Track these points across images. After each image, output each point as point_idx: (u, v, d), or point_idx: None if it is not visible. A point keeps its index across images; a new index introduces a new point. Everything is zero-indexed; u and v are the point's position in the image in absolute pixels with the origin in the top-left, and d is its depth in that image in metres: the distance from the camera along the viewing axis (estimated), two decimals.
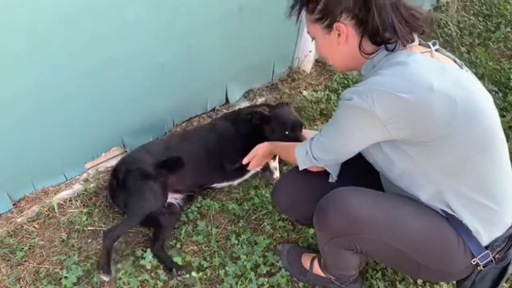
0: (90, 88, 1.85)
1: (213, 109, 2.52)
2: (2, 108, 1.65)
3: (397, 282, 1.82)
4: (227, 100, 2.55)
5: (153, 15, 1.82)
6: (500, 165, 1.29)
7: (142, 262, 1.81)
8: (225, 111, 2.53)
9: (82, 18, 1.62)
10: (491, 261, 1.29)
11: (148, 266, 1.80)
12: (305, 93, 2.69)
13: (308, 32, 1.46)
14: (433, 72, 1.20)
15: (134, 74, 1.95)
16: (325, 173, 1.52)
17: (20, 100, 1.67)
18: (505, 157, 1.30)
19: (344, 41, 1.35)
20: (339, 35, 1.33)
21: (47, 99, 1.75)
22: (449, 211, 1.31)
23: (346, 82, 2.81)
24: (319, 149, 1.42)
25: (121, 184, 1.93)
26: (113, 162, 2.19)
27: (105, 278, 1.75)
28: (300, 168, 1.53)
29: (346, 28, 1.31)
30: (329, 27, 1.34)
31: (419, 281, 1.82)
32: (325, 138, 1.39)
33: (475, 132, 1.22)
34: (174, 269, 1.80)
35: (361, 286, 1.81)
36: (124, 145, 2.20)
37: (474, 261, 1.29)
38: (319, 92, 2.71)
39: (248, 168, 1.98)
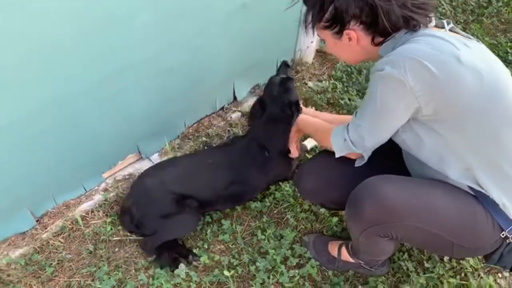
0: (103, 99, 1.84)
1: (222, 108, 2.53)
2: (20, 125, 1.64)
3: (424, 262, 1.86)
4: (234, 98, 2.56)
5: (160, 20, 1.82)
6: None
7: (176, 272, 1.82)
8: (234, 108, 2.54)
9: (91, 30, 1.61)
10: None
11: (183, 275, 1.81)
12: (310, 84, 2.70)
13: (318, 35, 1.48)
14: (458, 46, 1.22)
15: (145, 80, 1.95)
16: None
17: (37, 116, 1.66)
18: None
19: (355, 43, 1.38)
20: (349, 39, 1.36)
21: (62, 113, 1.74)
22: (477, 188, 1.33)
23: (349, 69, 2.83)
24: (359, 136, 1.39)
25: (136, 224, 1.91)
26: (130, 170, 2.20)
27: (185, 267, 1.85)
28: (337, 155, 1.49)
29: (356, 32, 1.34)
30: (339, 33, 1.37)
31: (445, 258, 1.86)
32: (363, 121, 1.36)
33: (500, 106, 1.25)
34: (190, 256, 1.87)
35: (388, 268, 1.85)
36: (139, 152, 2.20)
37: (503, 235, 1.33)
38: (323, 81, 2.73)
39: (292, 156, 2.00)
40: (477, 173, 1.31)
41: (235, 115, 2.52)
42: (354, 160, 1.51)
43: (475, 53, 1.24)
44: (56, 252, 1.92)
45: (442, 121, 1.26)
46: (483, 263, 1.84)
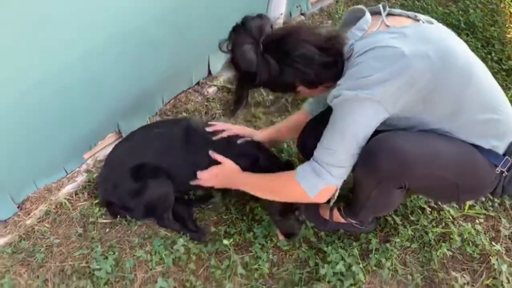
0: (83, 77, 1.77)
1: (198, 83, 2.50)
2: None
3: (409, 215, 1.98)
4: (209, 73, 2.54)
5: None
6: (486, 81, 1.47)
7: (175, 247, 1.80)
8: (209, 83, 2.52)
9: (71, 3, 1.53)
10: None
11: (181, 251, 1.79)
12: None
13: None
14: (396, 43, 1.33)
15: (125, 55, 1.89)
16: None
17: (18, 100, 1.58)
18: (487, 75, 1.49)
19: (312, 91, 1.51)
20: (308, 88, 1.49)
21: (43, 92, 1.65)
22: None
23: None
24: (334, 161, 1.44)
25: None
26: (110, 149, 2.12)
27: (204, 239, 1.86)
28: (312, 196, 1.49)
29: (304, 88, 1.48)
30: (292, 90, 1.51)
31: (428, 210, 1.99)
32: (334, 147, 1.43)
33: (455, 73, 1.37)
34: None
35: (376, 224, 1.95)
36: (119, 130, 2.14)
37: (497, 170, 1.47)
38: None
39: (198, 183, 1.81)
40: (459, 134, 1.46)
41: (212, 90, 2.50)
42: None
43: (415, 37, 1.36)
44: (43, 238, 1.83)
45: (411, 109, 1.40)
46: (460, 212, 2.00)
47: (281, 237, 1.84)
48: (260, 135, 1.98)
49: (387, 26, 1.44)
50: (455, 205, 2.02)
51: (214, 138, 1.82)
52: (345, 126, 1.40)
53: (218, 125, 1.89)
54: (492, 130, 1.47)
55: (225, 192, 1.99)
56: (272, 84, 1.48)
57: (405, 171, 1.44)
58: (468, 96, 1.40)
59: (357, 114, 1.36)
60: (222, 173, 1.76)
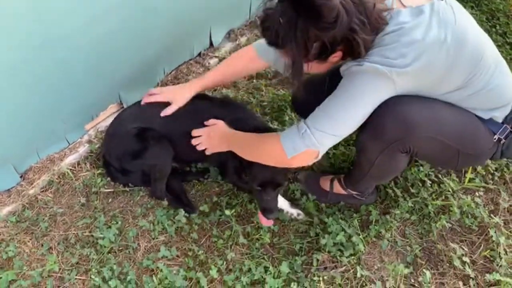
0: (84, 46, 1.75)
1: (199, 54, 2.47)
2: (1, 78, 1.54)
3: (409, 188, 1.99)
4: (211, 44, 2.51)
5: None
6: (492, 59, 1.47)
7: (177, 217, 1.82)
8: (211, 54, 2.49)
9: None
10: (510, 131, 1.53)
11: (183, 221, 1.81)
12: None
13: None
14: (419, 26, 1.33)
15: (125, 24, 1.85)
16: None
17: (19, 65, 1.56)
18: (494, 54, 1.50)
19: (320, 66, 1.44)
20: (334, 58, 1.40)
21: (46, 60, 1.64)
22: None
23: None
24: (322, 128, 1.40)
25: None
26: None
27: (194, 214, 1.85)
28: (289, 156, 1.45)
29: (337, 54, 1.38)
30: (324, 60, 1.39)
31: (428, 183, 2.00)
32: (332, 113, 1.40)
33: (468, 56, 1.39)
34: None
35: (376, 196, 1.96)
36: (121, 101, 2.12)
37: (495, 138, 1.52)
38: None
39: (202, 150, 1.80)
40: (461, 105, 1.50)
41: (213, 61, 2.48)
42: None
43: (433, 21, 1.35)
44: (47, 207, 1.85)
45: (421, 89, 1.43)
46: (460, 185, 2.01)
47: (260, 216, 1.76)
48: (188, 92, 1.86)
49: (404, 6, 1.42)
50: (455, 177, 2.03)
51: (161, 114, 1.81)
52: (358, 95, 1.39)
53: (151, 91, 1.87)
54: (494, 102, 1.51)
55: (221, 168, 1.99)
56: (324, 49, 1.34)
57: (411, 134, 1.46)
58: (476, 74, 1.43)
59: (373, 86, 1.36)
60: (215, 133, 1.75)
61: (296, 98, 1.85)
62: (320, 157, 1.48)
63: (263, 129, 1.77)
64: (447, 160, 1.65)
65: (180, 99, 1.83)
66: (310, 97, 1.54)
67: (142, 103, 1.87)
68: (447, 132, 1.48)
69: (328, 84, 1.54)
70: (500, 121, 1.53)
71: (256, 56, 1.83)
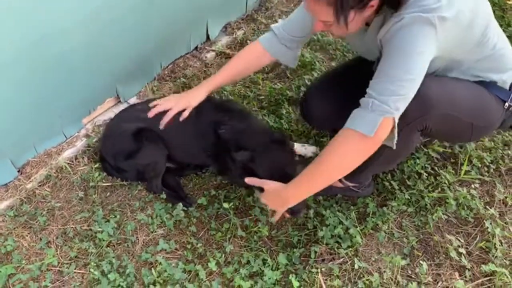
0: (82, 40, 1.75)
1: (196, 48, 2.47)
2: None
3: (406, 180, 2.01)
4: (208, 38, 2.50)
5: None
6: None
7: (175, 211, 1.83)
8: (208, 48, 2.49)
9: None
10: None
11: (182, 215, 1.82)
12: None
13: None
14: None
15: (125, 16, 1.86)
16: (357, 78, 1.51)
17: (18, 58, 1.56)
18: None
19: (369, 13, 1.36)
20: (371, 7, 1.33)
21: (46, 54, 1.64)
22: (478, 79, 1.58)
23: None
24: (392, 93, 1.33)
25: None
26: (109, 114, 2.12)
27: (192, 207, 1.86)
28: (372, 134, 1.34)
29: (374, 2, 1.32)
30: (364, 7, 1.32)
31: (425, 175, 2.02)
32: (396, 71, 1.33)
33: (481, 21, 1.43)
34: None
35: (373, 189, 1.98)
36: (118, 95, 2.12)
37: (506, 106, 1.60)
38: None
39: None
40: (475, 71, 1.56)
41: (210, 55, 2.48)
42: (363, 85, 1.45)
43: None
44: (45, 202, 1.85)
45: (447, 48, 1.41)
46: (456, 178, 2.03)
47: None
48: (201, 93, 1.85)
49: None
50: (451, 170, 2.05)
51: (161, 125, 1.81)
52: (410, 47, 1.32)
53: (155, 102, 1.85)
54: (505, 64, 1.57)
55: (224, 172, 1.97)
56: None
57: (429, 112, 1.47)
58: (491, 29, 1.48)
59: (421, 33, 1.31)
60: (273, 197, 1.61)
61: (310, 111, 1.80)
62: (396, 125, 1.38)
63: (270, 141, 1.74)
64: (461, 134, 1.68)
65: (194, 102, 1.83)
66: (323, 104, 1.53)
67: (151, 114, 1.81)
68: (461, 107, 1.52)
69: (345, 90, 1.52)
70: (508, 86, 1.59)
71: (263, 50, 1.82)
